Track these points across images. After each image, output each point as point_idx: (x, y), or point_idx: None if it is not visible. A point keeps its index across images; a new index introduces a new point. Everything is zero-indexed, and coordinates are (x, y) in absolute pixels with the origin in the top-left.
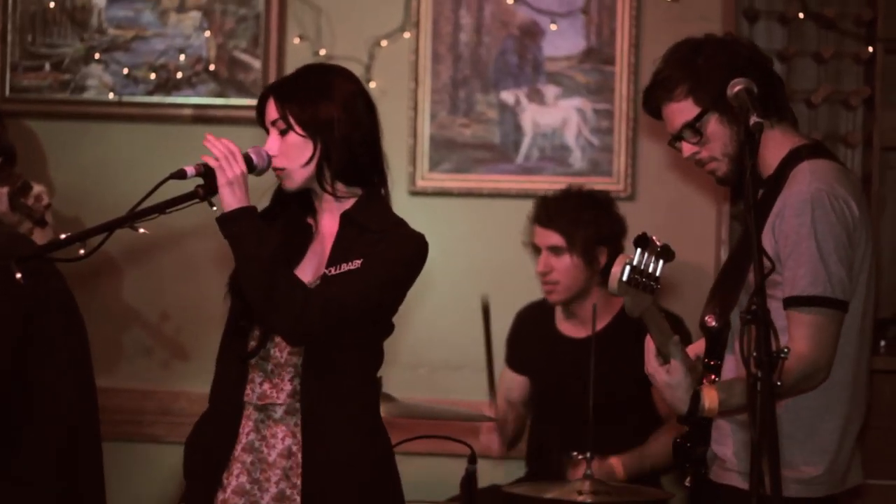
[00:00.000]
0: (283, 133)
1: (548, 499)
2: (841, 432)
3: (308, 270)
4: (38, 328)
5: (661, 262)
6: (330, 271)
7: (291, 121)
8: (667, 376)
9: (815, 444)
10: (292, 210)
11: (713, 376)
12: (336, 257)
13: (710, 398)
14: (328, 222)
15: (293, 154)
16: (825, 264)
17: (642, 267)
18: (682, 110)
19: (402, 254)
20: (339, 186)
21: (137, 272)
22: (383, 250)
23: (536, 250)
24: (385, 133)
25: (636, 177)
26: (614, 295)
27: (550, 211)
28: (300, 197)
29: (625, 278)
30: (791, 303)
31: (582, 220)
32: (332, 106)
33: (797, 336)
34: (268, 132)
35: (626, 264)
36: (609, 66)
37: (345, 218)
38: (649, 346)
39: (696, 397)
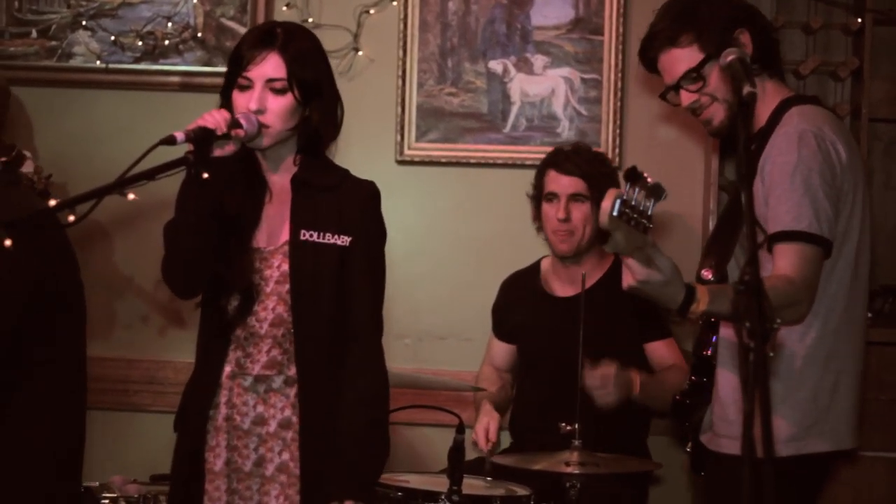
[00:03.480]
0: (278, 92)
1: (536, 470)
2: (834, 381)
3: (265, 232)
4: (44, 298)
5: (652, 200)
6: (303, 234)
7: (294, 84)
8: (660, 274)
9: (809, 393)
10: (245, 166)
11: (712, 336)
12: (301, 222)
13: (701, 291)
14: (279, 182)
15: (284, 115)
16: (811, 200)
17: (633, 202)
18: (685, 57)
19: (380, 223)
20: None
21: (128, 240)
22: (369, 231)
23: (547, 199)
24: (372, 102)
25: (624, 147)
26: (605, 229)
27: (576, 160)
28: (249, 153)
29: (615, 212)
30: (776, 238)
31: (601, 171)
32: (324, 76)
33: (782, 265)
34: (234, 81)
35: (616, 198)
36: (597, 36)
37: (296, 181)
38: (630, 262)
39: (691, 291)
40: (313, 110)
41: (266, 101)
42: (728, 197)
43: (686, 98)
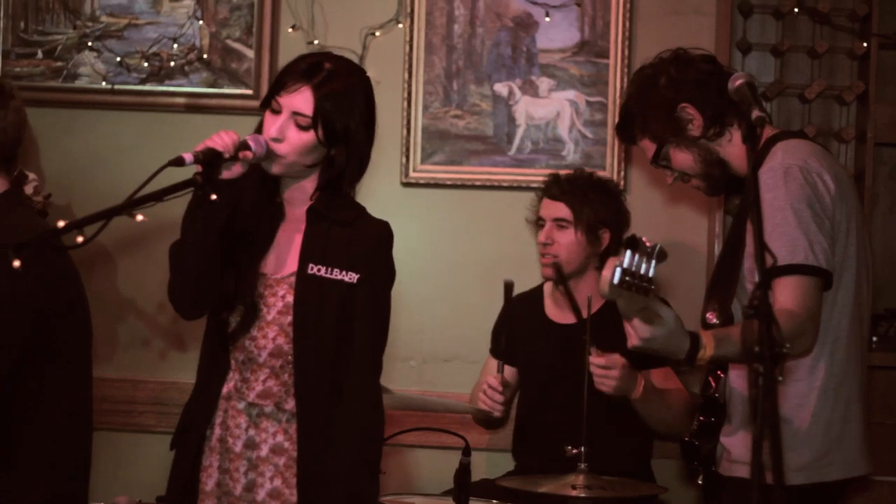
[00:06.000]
0: (302, 128)
1: (542, 493)
2: (844, 410)
3: (274, 257)
4: (49, 318)
5: (653, 262)
6: (310, 268)
7: (319, 125)
8: (663, 328)
9: (822, 425)
10: (266, 189)
11: (719, 372)
12: (311, 255)
13: (706, 338)
14: (294, 210)
15: (303, 151)
16: (805, 233)
17: (633, 268)
18: (646, 147)
19: (390, 265)
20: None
21: (132, 261)
22: (377, 271)
23: (539, 224)
24: (378, 124)
25: (629, 170)
26: (605, 298)
27: (563, 186)
28: (274, 178)
29: (616, 281)
30: (773, 273)
31: (590, 198)
32: (356, 122)
33: (783, 298)
34: (269, 103)
35: (616, 267)
36: (603, 59)
37: (312, 213)
38: (634, 322)
39: (695, 339)
40: (339, 153)
41: (287, 131)
42: (733, 221)
43: (668, 178)
